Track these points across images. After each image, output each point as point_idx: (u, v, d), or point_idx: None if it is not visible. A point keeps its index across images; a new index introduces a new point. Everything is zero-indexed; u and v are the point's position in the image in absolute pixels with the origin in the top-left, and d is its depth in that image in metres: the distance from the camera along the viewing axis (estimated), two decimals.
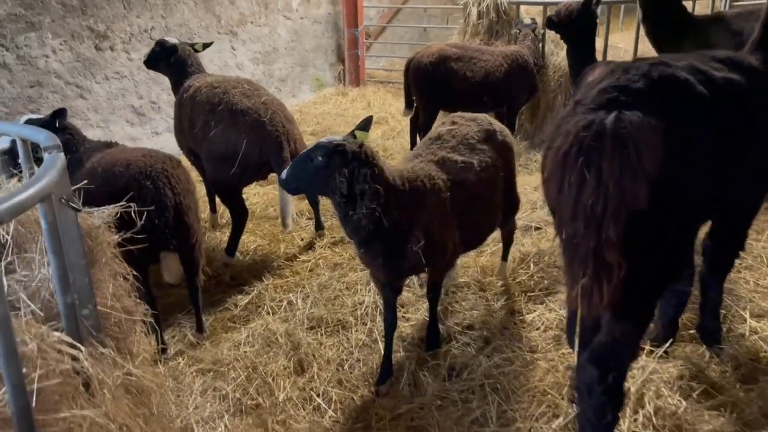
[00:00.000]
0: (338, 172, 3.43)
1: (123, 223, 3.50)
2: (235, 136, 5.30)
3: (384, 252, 3.70)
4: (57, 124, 4.58)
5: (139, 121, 8.52)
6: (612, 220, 2.51)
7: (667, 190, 2.63)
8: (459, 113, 4.54)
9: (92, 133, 7.84)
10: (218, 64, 9.60)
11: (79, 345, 2.17)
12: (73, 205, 2.44)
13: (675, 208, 2.76)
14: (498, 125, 4.48)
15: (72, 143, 4.68)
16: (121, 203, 2.80)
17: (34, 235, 2.63)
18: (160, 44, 6.09)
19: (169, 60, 6.03)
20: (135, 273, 3.84)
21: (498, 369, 4.09)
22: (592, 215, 2.54)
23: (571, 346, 3.45)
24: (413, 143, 8.20)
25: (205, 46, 6.36)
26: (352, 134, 3.56)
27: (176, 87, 6.06)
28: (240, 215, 5.66)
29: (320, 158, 3.45)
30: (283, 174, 3.63)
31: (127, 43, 8.21)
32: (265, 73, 10.56)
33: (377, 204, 3.49)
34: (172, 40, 6.11)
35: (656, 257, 2.83)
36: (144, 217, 3.94)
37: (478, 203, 4.17)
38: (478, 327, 4.57)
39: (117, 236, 2.77)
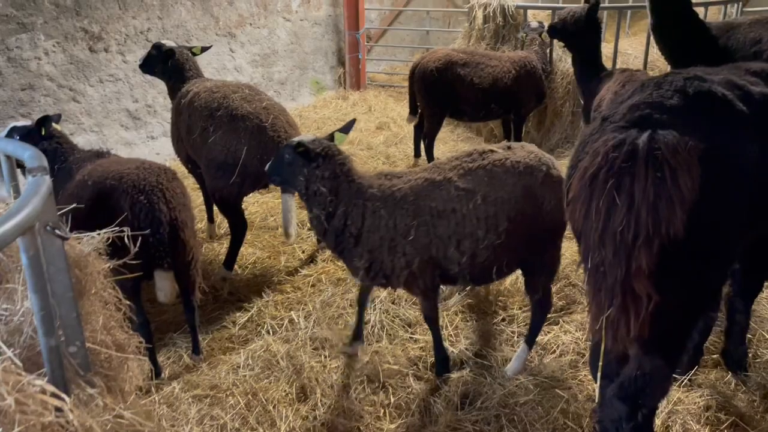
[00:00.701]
0: (299, 171, 3.72)
1: (115, 241, 3.29)
2: (235, 143, 5.06)
3: (337, 253, 3.92)
4: (42, 132, 4.32)
5: (134, 125, 8.27)
6: (644, 249, 2.30)
7: (704, 217, 2.40)
8: (523, 144, 4.04)
9: (86, 138, 7.60)
10: (216, 66, 9.35)
11: (63, 396, 1.92)
12: (59, 233, 2.19)
13: (713, 235, 2.53)
14: (555, 171, 3.83)
15: (60, 152, 4.43)
16: (112, 227, 2.55)
17: (17, 264, 2.39)
18: (157, 47, 5.82)
19: (167, 64, 5.76)
20: (127, 297, 3.67)
21: (513, 398, 3.85)
22: (621, 243, 2.34)
23: (595, 378, 3.22)
24: (417, 151, 7.97)
25: (204, 49, 6.11)
26: (331, 136, 3.78)
27: (173, 92, 5.80)
28: (239, 227, 5.42)
29: (287, 155, 3.74)
30: (267, 165, 3.91)
31: (123, 44, 7.96)
32: (264, 76, 10.31)
33: (323, 210, 3.73)
34: (169, 42, 5.86)
35: (691, 288, 2.61)
36: (137, 236, 3.73)
37: (466, 239, 3.75)
38: (492, 352, 4.34)
39: (108, 264, 2.52)
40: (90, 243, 2.45)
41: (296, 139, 3.71)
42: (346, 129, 3.93)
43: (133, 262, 3.44)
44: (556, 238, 3.94)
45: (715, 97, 2.60)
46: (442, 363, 4.15)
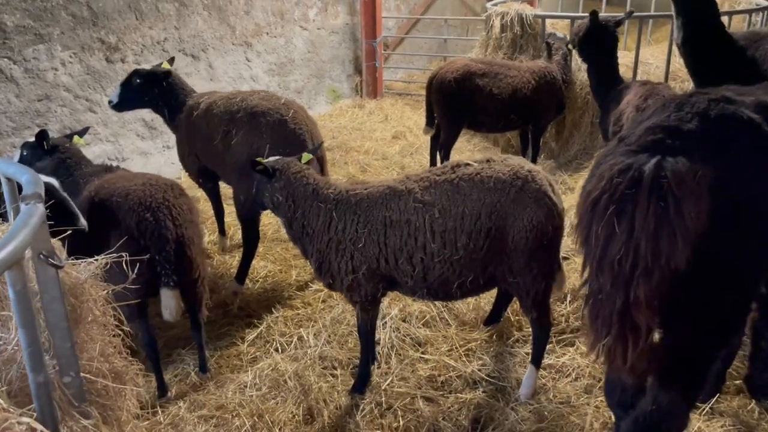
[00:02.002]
0: (264, 188, 4.04)
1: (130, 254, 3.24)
2: (257, 140, 5.00)
3: (306, 257, 4.16)
4: (45, 147, 4.28)
5: (150, 134, 8.26)
6: (643, 280, 2.20)
7: (714, 248, 2.29)
8: (508, 157, 3.94)
9: (102, 148, 7.61)
10: (232, 75, 9.34)
11: None
12: (53, 261, 2.13)
13: (725, 268, 2.40)
14: (533, 186, 3.66)
15: (66, 166, 4.37)
16: (110, 252, 2.48)
17: None
18: (144, 74, 5.48)
19: (162, 86, 5.52)
20: (133, 316, 3.62)
21: (526, 424, 3.74)
22: (620, 272, 2.23)
23: (611, 407, 3.10)
24: (433, 161, 7.86)
25: (171, 61, 5.88)
26: (299, 157, 4.12)
27: (173, 112, 5.59)
28: (254, 239, 5.40)
29: (255, 179, 4.10)
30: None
31: (139, 55, 7.96)
32: (281, 85, 10.28)
33: (285, 216, 4.01)
34: (146, 67, 5.61)
35: (705, 321, 2.48)
36: (143, 254, 3.69)
37: (418, 251, 3.72)
38: (504, 373, 4.22)
39: (106, 291, 2.46)
40: (87, 270, 2.39)
41: (255, 159, 4.03)
42: (314, 151, 4.40)
43: (138, 280, 3.43)
44: (535, 257, 3.68)
45: (740, 121, 2.47)
46: (362, 380, 4.14)
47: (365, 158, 8.30)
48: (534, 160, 7.70)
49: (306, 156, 4.16)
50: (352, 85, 11.86)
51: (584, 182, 2.76)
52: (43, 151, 4.30)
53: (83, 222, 3.28)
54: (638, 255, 2.18)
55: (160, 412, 3.96)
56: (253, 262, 5.77)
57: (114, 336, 2.63)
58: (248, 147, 5.01)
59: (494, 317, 4.72)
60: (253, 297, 5.33)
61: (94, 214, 3.82)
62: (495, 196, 3.64)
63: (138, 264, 3.64)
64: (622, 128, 5.38)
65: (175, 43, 8.34)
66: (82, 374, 2.34)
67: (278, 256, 5.95)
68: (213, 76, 9.02)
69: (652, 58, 8.20)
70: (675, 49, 7.18)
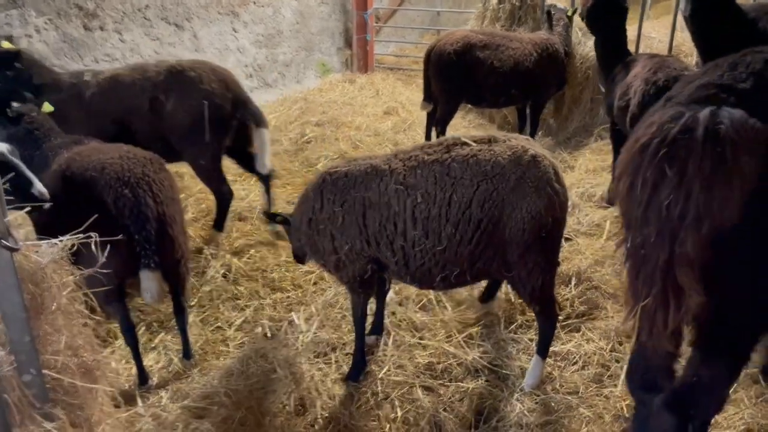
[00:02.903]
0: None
1: (104, 234, 2.97)
2: (196, 98, 5.07)
3: None
4: (9, 115, 3.93)
5: None
6: (691, 231, 2.05)
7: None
8: (509, 135, 3.59)
9: None
10: (218, 47, 8.94)
11: None
12: (6, 243, 1.83)
13: None
14: (535, 173, 3.32)
15: (33, 138, 3.98)
16: (77, 233, 2.19)
17: None
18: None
19: (12, 69, 4.85)
20: (110, 300, 3.32)
21: (533, 415, 3.51)
22: (667, 220, 2.08)
23: (633, 393, 2.88)
24: (428, 138, 7.56)
25: (9, 39, 5.53)
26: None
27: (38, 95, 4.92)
28: (229, 197, 5.54)
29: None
30: None
31: (119, 22, 7.55)
32: (269, 58, 9.90)
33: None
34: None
35: (756, 286, 2.28)
36: (120, 233, 3.40)
37: (398, 238, 3.47)
38: (507, 361, 3.98)
39: (73, 275, 2.16)
40: (48, 252, 2.09)
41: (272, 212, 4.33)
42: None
43: (116, 262, 3.14)
44: (530, 250, 3.37)
45: None
46: (356, 368, 3.92)
47: (357, 134, 7.98)
48: (532, 137, 7.43)
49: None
50: (342, 59, 11.48)
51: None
52: (7, 119, 3.95)
53: (40, 189, 2.96)
54: (689, 201, 2.03)
55: (140, 402, 3.69)
56: (241, 241, 5.50)
57: (84, 326, 2.34)
58: (189, 108, 5.02)
59: (490, 294, 4.47)
60: (239, 278, 5.03)
61: (65, 190, 3.50)
62: (491, 183, 3.31)
63: (115, 244, 3.40)
64: (629, 102, 5.12)
65: (158, 11, 7.94)
66: (45, 371, 2.06)
67: (265, 236, 5.65)
68: (198, 47, 8.62)
69: (654, 32, 7.91)
70: (677, 23, 6.94)
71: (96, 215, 2.79)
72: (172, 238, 3.68)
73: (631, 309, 2.30)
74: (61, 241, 2.15)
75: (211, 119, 5.10)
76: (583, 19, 6.10)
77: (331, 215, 3.61)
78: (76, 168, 3.55)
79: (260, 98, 9.52)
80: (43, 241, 2.13)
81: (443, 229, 3.38)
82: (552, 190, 3.34)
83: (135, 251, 3.51)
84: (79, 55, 7.18)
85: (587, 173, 6.58)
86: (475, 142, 3.48)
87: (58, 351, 2.15)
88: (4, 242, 1.80)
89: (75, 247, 2.20)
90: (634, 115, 4.95)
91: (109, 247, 3.42)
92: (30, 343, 1.97)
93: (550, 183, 3.35)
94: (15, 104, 4.00)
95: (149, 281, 3.57)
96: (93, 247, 2.29)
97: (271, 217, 4.15)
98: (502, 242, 3.37)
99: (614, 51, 5.79)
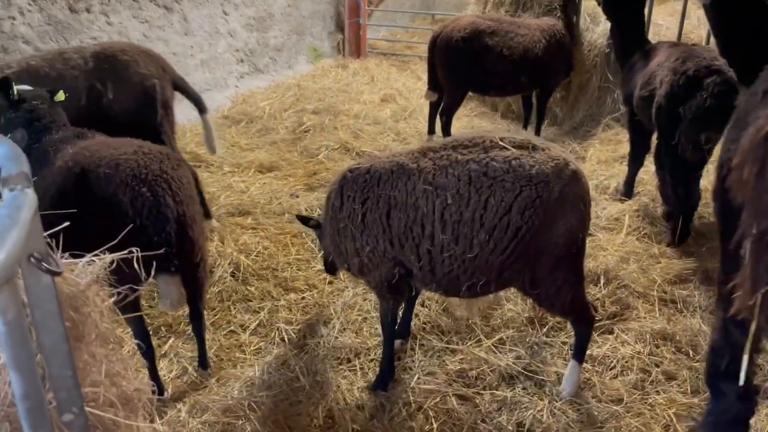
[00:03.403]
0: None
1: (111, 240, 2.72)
2: (137, 81, 4.86)
3: None
4: (11, 97, 3.56)
5: None
6: None
7: None
8: (547, 144, 3.32)
9: None
10: (208, 30, 8.57)
11: None
12: (47, 266, 1.56)
13: None
14: (583, 191, 3.20)
15: (33, 129, 3.60)
16: (121, 253, 1.92)
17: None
18: None
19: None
20: (126, 309, 3.05)
21: (577, 426, 3.34)
22: None
23: (711, 387, 2.75)
24: (432, 127, 7.33)
25: None
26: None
27: None
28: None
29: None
30: None
31: (106, 4, 7.15)
32: (260, 42, 9.54)
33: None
34: None
35: None
36: (138, 235, 3.13)
37: (425, 242, 3.23)
38: (542, 367, 3.80)
39: (112, 297, 1.90)
40: (88, 272, 1.82)
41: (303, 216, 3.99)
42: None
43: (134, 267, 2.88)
44: (560, 266, 3.22)
45: None
46: (384, 378, 3.69)
47: (356, 123, 7.71)
48: (539, 127, 7.25)
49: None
50: (333, 44, 11.16)
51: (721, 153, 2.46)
52: (8, 102, 3.56)
53: None
54: None
55: (156, 417, 3.42)
56: (245, 237, 5.22)
57: (119, 348, 2.08)
58: (131, 94, 4.80)
59: None
60: (249, 277, 4.76)
61: (76, 189, 3.20)
62: (535, 190, 3.07)
63: (136, 242, 3.13)
64: (653, 92, 4.93)
65: None
66: (86, 408, 1.79)
67: (272, 232, 5.37)
68: (187, 30, 8.25)
69: (661, 19, 7.76)
70: (691, 10, 6.79)
71: (131, 226, 2.52)
72: (192, 240, 3.41)
73: (748, 296, 2.15)
74: (97, 257, 1.87)
75: (155, 102, 4.90)
76: (599, 4, 5.89)
77: (351, 213, 3.38)
78: (86, 164, 3.25)
79: (252, 84, 9.21)
80: (79, 259, 1.86)
81: (476, 235, 3.14)
82: (585, 207, 3.22)
83: (154, 257, 3.23)
84: (64, 38, 6.78)
85: (599, 164, 6.42)
86: (513, 146, 3.22)
87: (96, 382, 1.89)
88: (46, 265, 1.52)
89: (114, 264, 1.92)
90: (661, 106, 4.77)
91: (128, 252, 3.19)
92: (72, 379, 1.70)
93: (584, 200, 3.22)
94: (23, 87, 3.64)
95: (169, 286, 3.29)
96: (135, 264, 2.03)
97: (303, 221, 3.92)
98: (535, 254, 3.18)
99: (633, 38, 5.59)
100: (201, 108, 5.41)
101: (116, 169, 3.23)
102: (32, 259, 1.52)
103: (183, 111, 8.08)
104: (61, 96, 3.76)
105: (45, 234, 1.67)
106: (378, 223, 3.32)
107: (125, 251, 1.97)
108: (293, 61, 10.30)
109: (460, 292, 3.36)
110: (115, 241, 3.10)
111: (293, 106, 8.29)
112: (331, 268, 4.03)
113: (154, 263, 3.23)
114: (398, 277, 3.42)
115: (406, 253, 3.30)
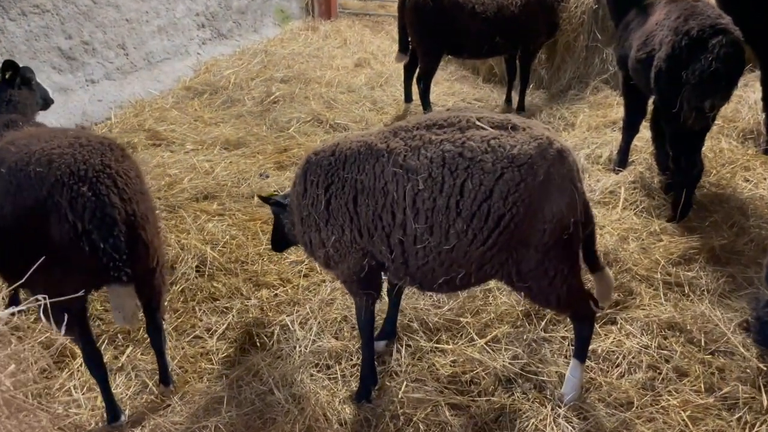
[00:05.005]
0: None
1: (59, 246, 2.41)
2: None
3: None
4: None
5: (69, 66, 6.88)
6: None
7: None
8: (528, 122, 2.96)
9: None
10: None
11: None
12: None
13: None
14: (572, 172, 2.84)
15: None
16: (18, 307, 1.47)
17: None
18: None
19: None
20: (70, 323, 2.64)
21: None
22: None
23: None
24: (409, 95, 6.87)
25: None
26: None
27: None
28: None
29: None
30: None
31: None
32: (221, 4, 8.89)
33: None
34: None
35: None
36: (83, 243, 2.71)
37: (396, 231, 2.90)
38: (541, 366, 3.45)
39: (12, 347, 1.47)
40: None
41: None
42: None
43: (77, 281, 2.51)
44: (549, 257, 2.86)
45: None
46: (365, 388, 3.33)
47: (329, 91, 7.21)
48: (523, 91, 6.81)
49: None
50: (301, 4, 10.51)
51: None
52: None
53: None
54: None
55: None
56: (210, 225, 4.77)
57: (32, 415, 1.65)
58: None
59: None
60: (216, 272, 4.32)
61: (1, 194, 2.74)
62: (518, 172, 2.72)
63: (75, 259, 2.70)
64: (651, 54, 4.51)
65: None
66: None
67: (239, 219, 4.91)
68: None
69: None
70: None
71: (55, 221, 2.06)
72: (145, 243, 2.96)
73: None
74: None
75: None
76: None
77: (314, 200, 3.09)
78: (12, 163, 2.76)
79: (215, 51, 8.64)
80: None
81: (452, 225, 2.79)
82: (575, 189, 2.84)
83: (102, 266, 2.79)
84: (3, 7, 6.15)
85: (590, 131, 6.02)
86: (491, 126, 2.87)
87: None
88: None
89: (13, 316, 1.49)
90: (661, 70, 4.35)
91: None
92: None
93: (574, 181, 2.84)
94: None
95: (121, 298, 2.86)
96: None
97: (265, 199, 3.62)
98: (519, 245, 2.83)
99: None
100: None
101: (49, 167, 2.76)
102: None
103: (142, 84, 7.57)
104: None
105: None
106: (344, 211, 3.01)
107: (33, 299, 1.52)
108: (259, 25, 9.66)
109: (435, 286, 3.03)
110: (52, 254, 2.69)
111: (260, 75, 7.75)
112: (276, 246, 3.79)
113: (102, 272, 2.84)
114: (368, 270, 3.10)
115: (376, 243, 2.98)
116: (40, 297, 1.61)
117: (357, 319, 3.33)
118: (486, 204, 2.75)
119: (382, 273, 3.19)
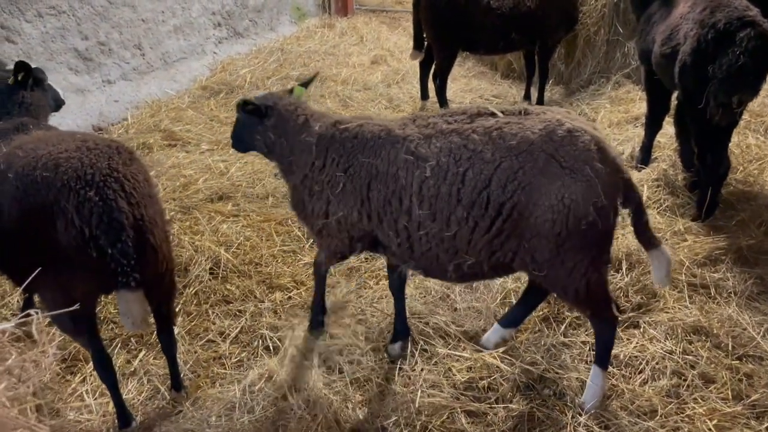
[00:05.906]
0: (255, 130, 3.39)
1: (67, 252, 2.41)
2: None
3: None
4: None
5: (86, 67, 6.88)
6: None
7: None
8: (549, 109, 2.95)
9: None
10: None
11: None
12: None
13: None
14: (586, 154, 2.73)
15: None
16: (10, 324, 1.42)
17: None
18: None
19: None
20: (79, 328, 2.62)
21: None
22: None
23: None
24: (425, 92, 6.78)
25: None
26: (291, 90, 3.55)
27: None
28: None
29: (241, 119, 3.46)
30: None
31: None
32: (238, 3, 8.85)
33: (283, 159, 3.36)
34: None
35: None
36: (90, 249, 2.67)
37: (402, 216, 2.96)
38: (561, 373, 3.34)
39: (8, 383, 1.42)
40: None
41: (242, 98, 3.43)
42: (306, 83, 3.65)
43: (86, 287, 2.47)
44: (566, 247, 2.77)
45: None
46: (316, 319, 3.68)
47: (345, 89, 7.14)
48: (542, 87, 6.68)
49: (299, 90, 3.57)
50: (318, 2, 10.44)
51: None
52: None
53: None
54: None
55: None
56: (224, 226, 4.72)
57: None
58: None
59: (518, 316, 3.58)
60: (229, 274, 4.27)
61: (8, 199, 2.70)
62: (517, 160, 2.74)
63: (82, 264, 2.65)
64: (676, 48, 4.37)
65: None
66: None
67: (254, 220, 4.86)
68: None
69: None
70: None
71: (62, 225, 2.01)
72: (154, 248, 2.90)
73: None
74: None
75: None
76: None
77: (331, 179, 3.15)
78: (20, 167, 2.73)
79: (231, 50, 8.61)
80: None
81: (453, 212, 2.84)
82: (593, 172, 2.70)
83: (110, 272, 2.74)
84: (19, 9, 6.16)
85: (611, 127, 5.88)
86: (504, 113, 2.93)
87: None
88: None
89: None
90: (686, 65, 4.21)
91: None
92: None
93: (590, 163, 2.72)
94: None
95: (130, 304, 2.79)
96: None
97: (241, 105, 3.40)
98: (529, 233, 2.78)
99: None
100: None
101: (55, 171, 2.71)
102: None
103: (159, 84, 7.55)
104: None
105: None
106: (357, 194, 3.07)
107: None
108: (275, 23, 9.62)
109: (445, 273, 3.06)
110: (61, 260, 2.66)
111: (277, 73, 7.70)
112: (238, 145, 3.61)
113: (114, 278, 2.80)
114: (351, 249, 3.29)
115: (384, 228, 3.04)
116: (32, 312, 1.54)
117: (315, 269, 3.59)
118: (485, 192, 2.79)
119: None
